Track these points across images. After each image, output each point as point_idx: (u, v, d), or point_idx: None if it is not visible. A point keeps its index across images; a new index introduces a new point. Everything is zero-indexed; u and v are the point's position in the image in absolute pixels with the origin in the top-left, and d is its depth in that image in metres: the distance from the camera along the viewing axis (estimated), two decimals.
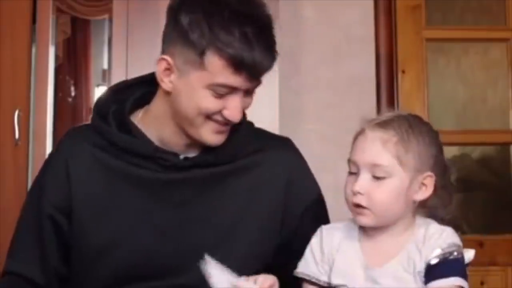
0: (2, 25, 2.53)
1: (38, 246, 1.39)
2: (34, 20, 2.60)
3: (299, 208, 1.43)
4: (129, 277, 1.34)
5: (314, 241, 1.33)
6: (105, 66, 5.24)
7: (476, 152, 3.16)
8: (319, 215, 1.45)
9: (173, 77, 1.30)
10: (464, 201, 3.00)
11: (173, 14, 1.30)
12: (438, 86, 3.00)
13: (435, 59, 3.00)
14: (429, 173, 1.27)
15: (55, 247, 1.38)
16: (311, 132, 2.74)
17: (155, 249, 1.34)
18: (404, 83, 2.90)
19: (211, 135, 1.32)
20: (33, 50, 2.64)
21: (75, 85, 5.18)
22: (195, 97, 1.28)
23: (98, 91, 5.06)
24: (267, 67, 1.27)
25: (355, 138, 1.31)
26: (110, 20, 3.03)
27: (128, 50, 2.41)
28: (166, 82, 1.31)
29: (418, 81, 2.91)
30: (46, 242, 1.38)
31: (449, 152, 3.06)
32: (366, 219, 1.27)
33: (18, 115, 2.51)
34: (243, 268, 1.24)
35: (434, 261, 1.23)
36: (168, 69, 1.30)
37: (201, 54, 1.24)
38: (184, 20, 1.26)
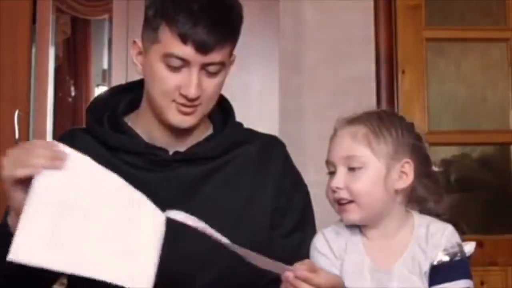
0: (2, 25, 2.53)
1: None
2: (34, 20, 2.60)
3: (285, 203, 1.44)
4: None
5: (320, 244, 1.31)
6: (105, 66, 5.24)
7: (476, 152, 3.16)
8: (303, 215, 1.46)
9: (141, 58, 1.36)
10: (464, 201, 3.00)
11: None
12: (438, 86, 3.00)
13: (435, 59, 3.00)
14: (406, 159, 1.27)
15: None
16: (311, 132, 2.74)
17: None
18: (404, 83, 2.90)
19: (176, 115, 1.34)
20: (33, 50, 2.64)
21: (75, 85, 5.18)
22: (155, 73, 1.32)
23: (98, 91, 5.05)
24: (212, 44, 1.28)
25: (330, 139, 1.32)
26: (110, 20, 3.02)
27: (128, 50, 2.41)
28: (138, 66, 1.38)
29: (418, 81, 2.91)
30: None
31: (449, 152, 3.06)
32: (351, 215, 1.27)
33: (18, 115, 2.51)
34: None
35: (439, 263, 1.23)
36: (140, 53, 1.37)
37: (156, 29, 1.30)
38: (146, 2, 1.36)
